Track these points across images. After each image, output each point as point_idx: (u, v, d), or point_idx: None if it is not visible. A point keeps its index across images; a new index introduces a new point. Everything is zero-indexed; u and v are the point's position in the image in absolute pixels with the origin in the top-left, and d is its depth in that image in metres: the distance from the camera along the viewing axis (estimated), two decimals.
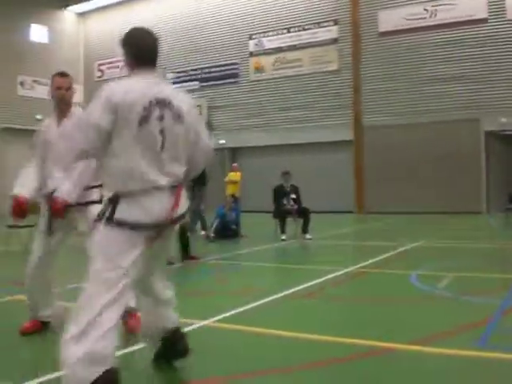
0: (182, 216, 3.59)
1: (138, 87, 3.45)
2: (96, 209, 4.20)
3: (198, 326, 5.24)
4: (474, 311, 5.77)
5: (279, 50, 25.84)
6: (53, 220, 4.93)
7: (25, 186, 5.04)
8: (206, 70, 27.81)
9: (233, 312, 5.78)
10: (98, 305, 3.21)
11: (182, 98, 3.60)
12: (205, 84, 27.80)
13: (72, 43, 31.84)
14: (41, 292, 5.16)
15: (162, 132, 3.39)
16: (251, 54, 26.63)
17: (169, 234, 3.65)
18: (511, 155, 22.10)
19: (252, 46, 26.60)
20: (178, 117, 3.49)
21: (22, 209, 5.08)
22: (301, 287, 7.13)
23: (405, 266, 8.79)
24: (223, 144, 26.25)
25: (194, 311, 6.22)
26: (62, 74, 5.14)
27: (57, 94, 5.05)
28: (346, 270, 8.48)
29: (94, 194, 4.73)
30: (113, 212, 3.35)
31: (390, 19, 23.05)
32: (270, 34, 26.09)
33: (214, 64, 27.60)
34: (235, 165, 18.45)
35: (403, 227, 17.23)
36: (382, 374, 3.97)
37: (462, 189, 21.12)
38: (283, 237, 13.16)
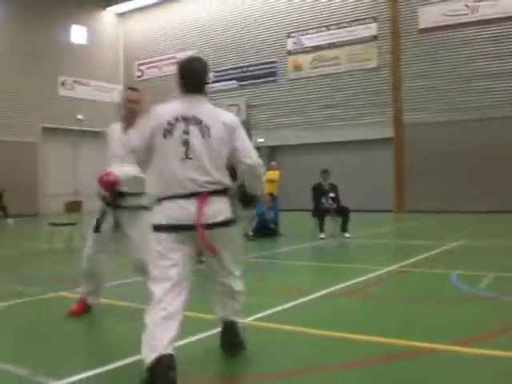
0: (225, 223, 3.90)
1: (172, 107, 4.03)
2: (145, 214, 4.93)
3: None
4: None
5: (318, 48, 25.73)
6: (102, 219, 5.60)
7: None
8: (244, 69, 27.86)
9: (272, 311, 5.80)
10: (155, 297, 3.73)
11: (216, 117, 3.95)
12: (243, 83, 27.86)
13: (112, 44, 32.23)
14: (89, 278, 5.86)
15: (185, 143, 3.83)
16: (289, 53, 26.58)
17: (220, 238, 3.93)
18: None
19: (290, 44, 26.54)
20: (205, 132, 3.85)
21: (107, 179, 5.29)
22: (340, 286, 7.12)
23: (445, 266, 8.69)
24: (262, 142, 26.24)
25: None
26: (134, 89, 5.84)
27: (128, 106, 5.71)
28: (386, 269, 8.43)
29: (144, 200, 4.99)
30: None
31: (430, 16, 22.76)
32: (309, 32, 26.00)
33: (252, 63, 27.64)
34: (274, 163, 18.39)
35: (444, 226, 17.02)
36: (423, 374, 3.94)
37: (507, 187, 20.72)
38: (322, 235, 13.13)
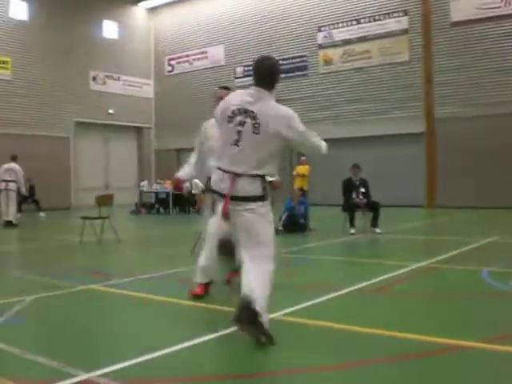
0: (251, 198, 4.57)
1: (236, 99, 4.74)
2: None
3: None
4: None
5: (348, 41, 25.58)
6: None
7: (183, 170, 6.81)
8: None
9: (300, 306, 5.80)
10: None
11: (269, 115, 4.56)
12: None
13: (142, 38, 32.37)
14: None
15: (239, 133, 4.56)
16: (320, 47, 26.45)
17: (245, 212, 4.58)
18: None
19: (321, 38, 26.41)
20: (256, 128, 4.53)
21: (177, 184, 7.39)
22: (370, 282, 7.08)
23: (476, 263, 8.58)
24: None
25: None
26: (224, 87, 6.69)
27: (218, 103, 6.31)
28: (416, 265, 8.37)
29: None
30: None
31: (462, 9, 22.43)
32: (339, 25, 25.84)
33: (282, 57, 27.51)
34: (304, 158, 18.38)
35: (476, 222, 16.83)
36: (455, 371, 3.91)
37: None
38: (352, 231, 13.06)
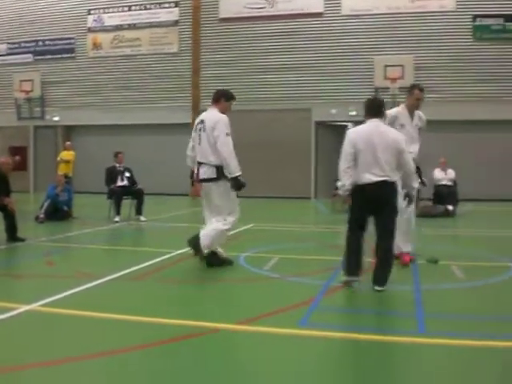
0: (205, 179, 7.63)
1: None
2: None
3: (22, 310, 5.11)
4: (299, 291, 6.10)
5: (119, 27, 25.23)
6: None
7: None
8: (41, 43, 26.52)
9: (60, 296, 5.70)
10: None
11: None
12: (39, 57, 26.51)
13: None
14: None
15: (199, 136, 7.76)
16: (89, 30, 25.77)
17: (206, 189, 7.67)
18: (338, 145, 23.35)
19: (90, 21, 25.75)
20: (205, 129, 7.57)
21: None
22: (131, 269, 7.16)
23: (234, 248, 9.00)
24: (57, 121, 25.31)
25: (18, 295, 6.08)
26: (421, 89, 7.82)
27: (416, 103, 7.81)
28: (177, 252, 8.59)
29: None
30: None
31: (230, 6, 23.32)
32: (110, 10, 25.41)
33: (49, 37, 26.38)
34: (69, 143, 17.93)
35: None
36: (206, 354, 4.11)
37: (293, 175, 22.02)
38: (117, 218, 12.99)
